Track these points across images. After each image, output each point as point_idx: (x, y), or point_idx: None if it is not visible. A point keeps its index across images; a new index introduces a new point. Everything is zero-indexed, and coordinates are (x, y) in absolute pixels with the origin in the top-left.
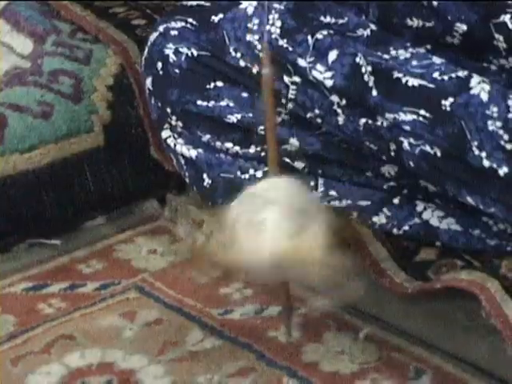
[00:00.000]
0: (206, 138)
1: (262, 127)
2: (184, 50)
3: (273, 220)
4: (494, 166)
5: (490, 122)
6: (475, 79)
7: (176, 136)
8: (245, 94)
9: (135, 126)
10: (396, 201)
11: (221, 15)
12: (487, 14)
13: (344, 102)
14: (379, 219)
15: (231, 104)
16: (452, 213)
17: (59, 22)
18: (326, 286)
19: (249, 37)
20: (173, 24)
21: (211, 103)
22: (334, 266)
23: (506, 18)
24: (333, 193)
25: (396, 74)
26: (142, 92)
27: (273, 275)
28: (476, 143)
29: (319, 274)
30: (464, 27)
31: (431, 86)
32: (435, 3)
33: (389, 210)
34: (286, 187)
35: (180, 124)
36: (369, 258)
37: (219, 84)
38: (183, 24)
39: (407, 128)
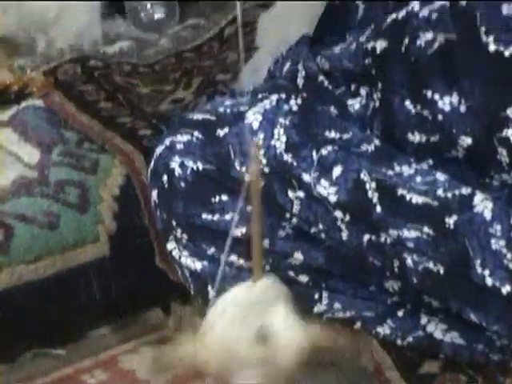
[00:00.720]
0: (211, 251)
1: (267, 241)
2: (189, 163)
3: (280, 320)
4: (497, 284)
5: (493, 241)
6: (478, 197)
7: (181, 248)
8: (250, 208)
9: (141, 236)
10: (400, 313)
11: (226, 129)
12: (491, 128)
13: (348, 217)
14: (383, 330)
15: (236, 218)
16: (456, 327)
17: (66, 131)
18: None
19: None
20: (179, 137)
21: (216, 217)
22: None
23: (508, 132)
24: (337, 305)
25: (400, 191)
26: (148, 202)
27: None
28: (479, 261)
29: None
30: (469, 140)
31: (435, 203)
32: (440, 117)
33: (393, 322)
34: (274, 285)
35: (185, 236)
36: (373, 365)
37: (224, 198)
38: (189, 137)
39: (411, 245)
